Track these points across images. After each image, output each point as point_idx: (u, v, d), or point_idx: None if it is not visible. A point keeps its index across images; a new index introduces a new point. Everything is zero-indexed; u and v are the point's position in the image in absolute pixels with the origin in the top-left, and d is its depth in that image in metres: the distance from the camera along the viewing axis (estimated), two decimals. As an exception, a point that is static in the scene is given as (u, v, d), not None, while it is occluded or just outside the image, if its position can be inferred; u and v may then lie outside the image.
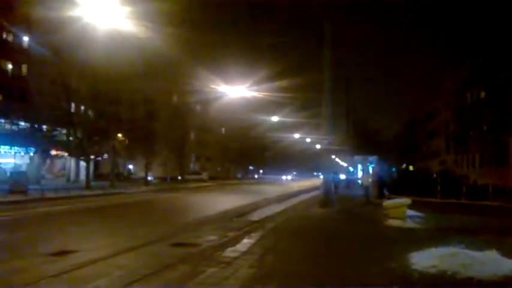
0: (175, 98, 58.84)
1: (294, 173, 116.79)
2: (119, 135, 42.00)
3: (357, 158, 35.48)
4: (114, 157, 41.40)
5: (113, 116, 36.57)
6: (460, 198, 25.03)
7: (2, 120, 32.80)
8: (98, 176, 44.67)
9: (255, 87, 35.99)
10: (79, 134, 34.70)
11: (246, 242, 10.14)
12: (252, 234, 11.34)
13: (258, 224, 13.75)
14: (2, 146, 33.81)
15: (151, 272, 7.29)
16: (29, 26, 31.98)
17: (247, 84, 35.40)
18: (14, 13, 30.46)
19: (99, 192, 29.16)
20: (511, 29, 31.55)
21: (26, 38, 34.68)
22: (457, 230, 12.52)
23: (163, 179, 54.99)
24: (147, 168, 46.68)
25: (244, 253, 8.84)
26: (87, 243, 10.27)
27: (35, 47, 33.24)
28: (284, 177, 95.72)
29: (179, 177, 55.36)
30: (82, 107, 37.42)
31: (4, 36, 33.83)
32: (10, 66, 34.59)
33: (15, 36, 34.41)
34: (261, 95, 37.98)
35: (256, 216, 17.10)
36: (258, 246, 9.60)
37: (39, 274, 7.21)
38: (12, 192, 23.52)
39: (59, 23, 27.53)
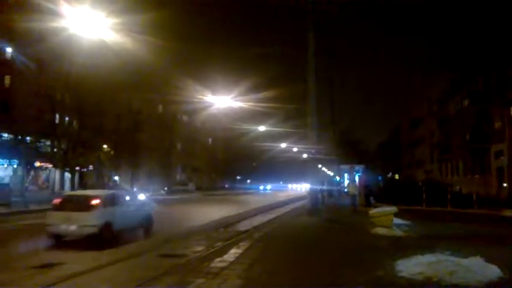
0: (161, 109, 58.67)
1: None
2: (104, 146, 41.63)
3: (343, 167, 35.71)
4: (100, 168, 40.99)
5: (97, 127, 36.28)
6: (445, 206, 25.30)
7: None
8: (83, 187, 44.07)
9: (241, 98, 36.10)
10: (64, 146, 34.32)
11: (234, 252, 10.12)
12: (240, 244, 11.32)
13: (245, 234, 13.73)
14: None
15: (137, 284, 7.23)
16: (12, 36, 31.61)
17: (233, 95, 35.51)
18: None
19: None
20: (493, 38, 32.31)
21: (9, 49, 34.25)
22: (442, 237, 12.66)
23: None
24: (133, 179, 46.27)
25: (232, 263, 8.82)
26: (75, 255, 10.16)
27: (19, 58, 32.90)
28: None
29: (165, 188, 54.99)
30: (66, 118, 37.10)
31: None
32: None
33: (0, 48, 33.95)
34: (247, 105, 38.07)
35: (243, 226, 17.08)
36: (245, 257, 9.58)
37: (25, 287, 7.11)
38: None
39: (44, 34, 27.38)
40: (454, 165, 44.21)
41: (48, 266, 8.83)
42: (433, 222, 17.95)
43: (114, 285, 7.36)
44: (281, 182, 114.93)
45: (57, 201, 13.16)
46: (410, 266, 7.96)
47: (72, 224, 11.77)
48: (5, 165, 34.69)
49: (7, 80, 34.51)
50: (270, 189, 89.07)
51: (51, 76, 33.42)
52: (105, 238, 11.92)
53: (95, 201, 12.24)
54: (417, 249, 9.63)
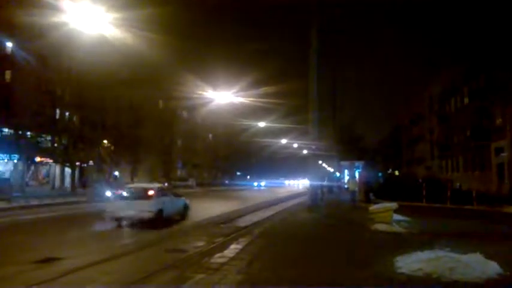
0: (161, 104, 58.62)
1: None
2: (105, 141, 41.64)
3: (343, 163, 35.70)
4: (100, 164, 41.02)
5: (98, 122, 36.26)
6: (445, 203, 25.34)
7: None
8: (84, 183, 44.21)
9: (241, 93, 36.10)
10: (64, 141, 34.32)
11: (234, 248, 10.14)
12: (240, 240, 11.34)
13: (245, 230, 13.75)
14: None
15: (138, 278, 7.25)
16: (13, 31, 31.53)
17: (234, 90, 35.50)
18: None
19: (86, 199, 28.76)
20: (494, 36, 32.24)
21: (9, 44, 34.18)
22: (442, 233, 12.68)
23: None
24: (133, 174, 46.30)
25: (232, 259, 8.84)
26: (76, 249, 10.18)
27: (19, 53, 32.87)
28: None
29: (165, 184, 54.99)
30: (67, 114, 37.12)
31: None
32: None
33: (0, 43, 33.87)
34: (247, 101, 38.08)
35: (243, 222, 17.10)
36: (245, 252, 9.60)
37: (25, 281, 7.12)
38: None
39: (44, 29, 27.32)
40: (455, 162, 44.22)
41: (49, 260, 8.83)
42: (432, 218, 17.96)
43: (115, 278, 7.38)
44: (281, 178, 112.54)
45: (119, 191, 16.67)
46: (410, 263, 7.98)
47: (133, 210, 14.87)
48: (6, 160, 34.70)
49: (8, 75, 34.45)
50: (265, 186, 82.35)
51: (51, 71, 33.37)
52: (158, 221, 14.89)
53: (151, 192, 15.64)
54: (417, 245, 9.65)
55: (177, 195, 18.38)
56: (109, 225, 15.20)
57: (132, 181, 44.86)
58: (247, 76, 37.91)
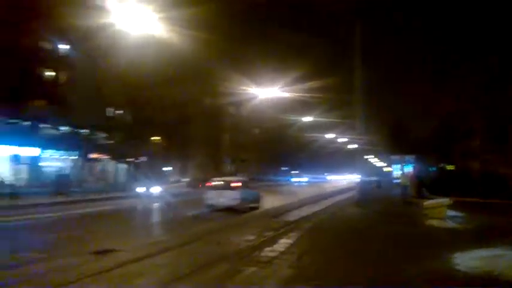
0: (208, 101, 59.52)
1: None
2: (156, 138, 42.88)
3: (393, 157, 34.79)
4: (152, 159, 42.28)
5: (148, 120, 37.35)
6: (502, 198, 24.13)
7: (47, 125, 33.87)
8: (134, 177, 45.73)
9: (286, 88, 35.89)
10: (117, 138, 35.62)
11: (284, 242, 10.16)
12: (290, 234, 11.35)
13: (294, 225, 13.73)
14: (48, 150, 34.79)
15: (191, 271, 7.41)
16: (65, 34, 32.88)
17: (279, 85, 35.36)
18: (51, 22, 31.36)
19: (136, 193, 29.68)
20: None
21: (64, 46, 35.62)
22: (499, 230, 12.11)
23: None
24: (184, 170, 47.38)
25: (283, 253, 8.86)
26: (131, 241, 10.53)
27: (73, 54, 34.38)
28: None
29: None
30: (119, 112, 38.53)
31: (43, 45, 34.79)
32: (50, 74, 35.59)
33: (54, 44, 35.42)
34: (293, 96, 37.82)
35: (292, 216, 17.07)
36: (296, 247, 9.61)
37: (85, 271, 7.42)
38: (57, 193, 24.57)
39: (93, 30, 28.40)
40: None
41: (106, 252, 9.14)
42: (489, 214, 17.14)
43: (169, 271, 7.58)
44: (325, 173, 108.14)
45: (209, 183, 20.25)
46: (467, 260, 7.72)
47: (223, 198, 18.37)
48: (66, 157, 36.31)
49: (63, 75, 36.01)
50: (307, 182, 75.54)
51: (102, 71, 34.67)
52: (241, 208, 18.18)
53: (237, 184, 19.28)
54: (473, 242, 9.31)
55: (252, 188, 21.65)
56: (163, 217, 15.58)
57: (183, 176, 45.94)
58: (292, 71, 37.56)
